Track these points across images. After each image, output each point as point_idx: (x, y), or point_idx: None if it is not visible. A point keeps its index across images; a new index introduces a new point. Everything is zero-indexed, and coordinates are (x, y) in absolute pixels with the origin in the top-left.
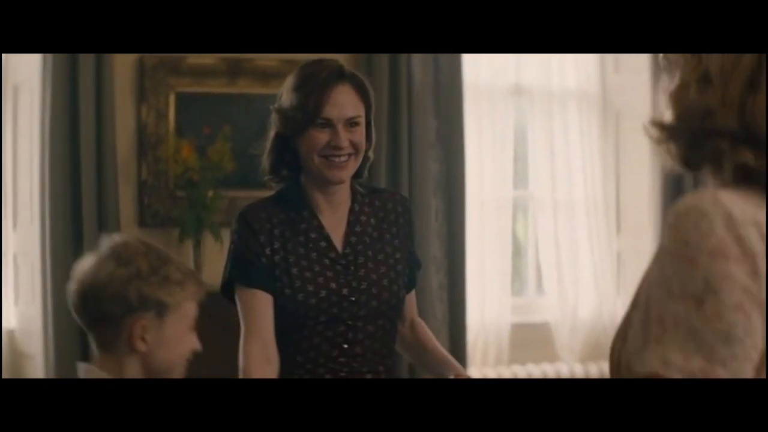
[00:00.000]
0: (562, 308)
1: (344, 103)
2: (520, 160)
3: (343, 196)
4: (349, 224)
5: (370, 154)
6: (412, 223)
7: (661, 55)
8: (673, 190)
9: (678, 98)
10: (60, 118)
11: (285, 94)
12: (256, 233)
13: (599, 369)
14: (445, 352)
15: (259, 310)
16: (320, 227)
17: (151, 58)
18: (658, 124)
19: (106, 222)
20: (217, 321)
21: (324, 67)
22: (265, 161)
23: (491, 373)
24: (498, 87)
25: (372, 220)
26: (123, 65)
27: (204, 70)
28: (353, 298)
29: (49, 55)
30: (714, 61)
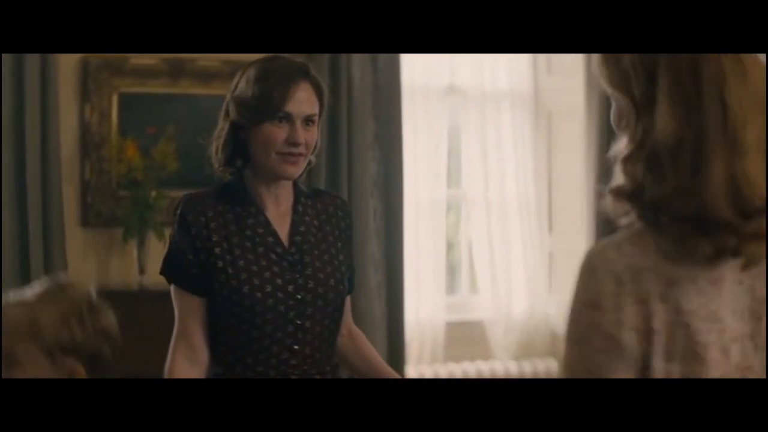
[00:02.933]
0: (495, 307)
1: (305, 100)
2: (453, 160)
3: (286, 193)
4: (294, 223)
5: (312, 158)
6: (352, 227)
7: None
8: (604, 190)
9: (628, 171)
10: (4, 118)
11: (244, 84)
12: (188, 226)
13: (533, 367)
14: (383, 364)
15: (186, 311)
16: (267, 223)
17: (94, 59)
18: (616, 193)
19: (49, 221)
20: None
21: (289, 62)
22: (219, 152)
23: (427, 371)
24: (432, 88)
25: (315, 222)
26: (67, 66)
27: (146, 71)
28: (299, 296)
29: None
30: (659, 140)
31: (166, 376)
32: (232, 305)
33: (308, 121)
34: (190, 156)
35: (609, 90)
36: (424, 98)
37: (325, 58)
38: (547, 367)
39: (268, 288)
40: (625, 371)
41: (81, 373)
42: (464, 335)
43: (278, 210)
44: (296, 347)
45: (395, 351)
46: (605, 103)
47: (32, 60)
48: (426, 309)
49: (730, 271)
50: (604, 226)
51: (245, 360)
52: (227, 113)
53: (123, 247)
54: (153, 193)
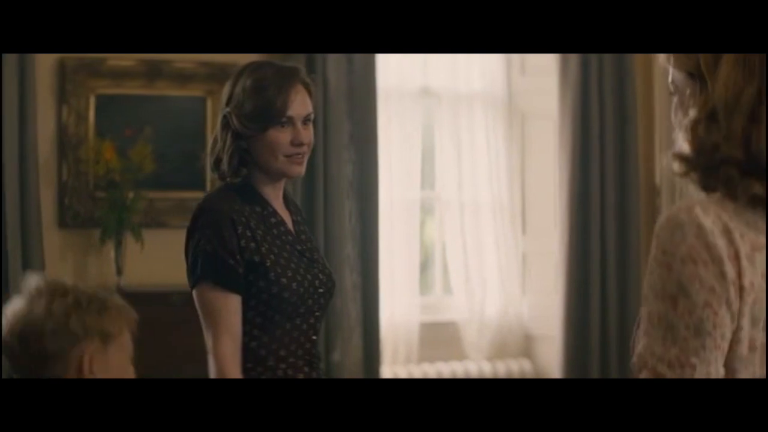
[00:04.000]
0: (469, 307)
1: (301, 101)
2: (427, 161)
3: (281, 191)
4: (295, 222)
5: None
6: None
7: (669, 80)
8: (577, 191)
9: (691, 133)
10: None
11: (242, 95)
12: (234, 226)
13: (506, 367)
14: None
15: (230, 310)
16: (284, 221)
17: (71, 60)
18: (679, 157)
19: (27, 223)
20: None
21: (280, 68)
22: (226, 164)
23: (402, 372)
24: (406, 89)
25: (300, 217)
26: (44, 67)
27: (123, 72)
28: (321, 290)
29: None
30: (719, 97)
31: (216, 374)
32: (280, 302)
33: (307, 120)
34: (167, 157)
35: (675, 73)
36: (398, 100)
37: (302, 60)
38: (520, 367)
39: (306, 283)
40: (729, 328)
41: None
42: (438, 336)
43: (282, 208)
44: (314, 338)
45: (370, 352)
46: (578, 105)
47: (9, 61)
48: (400, 310)
49: None
50: (578, 228)
51: (278, 353)
52: (226, 125)
53: (100, 248)
54: (130, 195)
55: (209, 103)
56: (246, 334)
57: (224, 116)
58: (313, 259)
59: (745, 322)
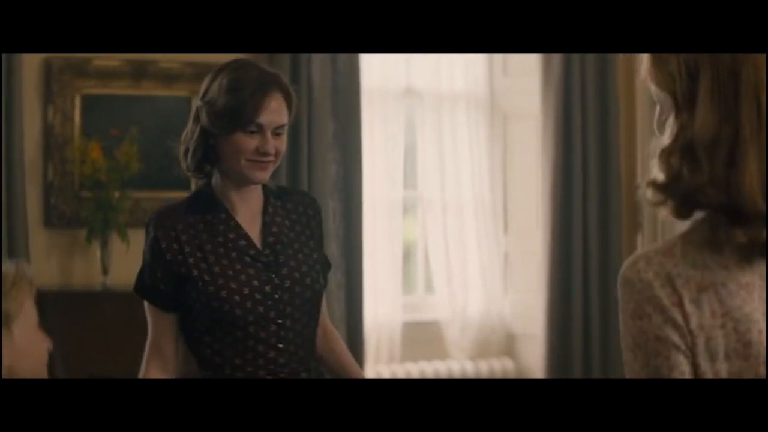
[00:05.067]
0: (451, 307)
1: (276, 110)
2: (410, 161)
3: (256, 194)
4: (265, 224)
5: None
6: (322, 225)
7: (652, 88)
8: (559, 191)
9: (665, 163)
10: None
11: (216, 92)
12: (159, 242)
13: (489, 366)
14: (352, 363)
15: (158, 326)
16: (238, 227)
17: (57, 60)
18: (653, 185)
19: (13, 222)
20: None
21: (261, 72)
22: (189, 156)
23: (385, 371)
24: (389, 89)
25: (286, 222)
26: (30, 67)
27: (109, 72)
28: (277, 296)
29: None
30: (697, 136)
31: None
32: (212, 311)
33: (279, 130)
34: (153, 157)
35: (655, 90)
36: (381, 100)
37: (286, 60)
38: (503, 366)
39: (246, 290)
40: (686, 365)
41: None
42: (421, 335)
43: (249, 212)
44: (281, 346)
45: (354, 351)
46: (561, 105)
47: None
48: (383, 309)
49: (759, 277)
50: (560, 227)
51: (234, 361)
52: (197, 118)
53: (86, 247)
54: (116, 194)
55: (194, 103)
56: (199, 342)
57: (196, 109)
58: (272, 264)
59: (702, 360)
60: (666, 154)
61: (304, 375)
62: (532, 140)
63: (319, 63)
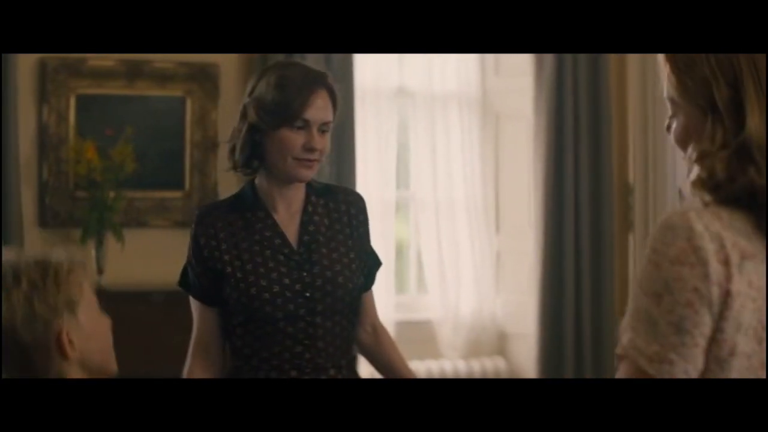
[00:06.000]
0: (443, 306)
1: (322, 107)
2: (402, 161)
3: (298, 193)
4: (303, 223)
5: (324, 157)
6: (367, 221)
7: (667, 100)
8: (551, 190)
9: (708, 165)
10: None
11: (264, 88)
12: (198, 238)
13: (481, 366)
14: (403, 362)
15: (200, 319)
16: (274, 225)
17: (52, 60)
18: (700, 185)
19: (8, 222)
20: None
21: (308, 70)
22: (237, 153)
23: None
24: (382, 89)
25: (326, 220)
26: (24, 67)
27: (104, 72)
28: (308, 294)
29: None
30: (754, 135)
31: (184, 374)
32: (243, 307)
33: (324, 127)
34: (148, 157)
35: (680, 102)
36: (373, 100)
37: (281, 59)
38: (495, 365)
39: (276, 288)
40: (709, 328)
41: None
42: (413, 334)
43: (288, 211)
44: (308, 342)
45: None
46: (553, 105)
47: None
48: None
49: None
50: (552, 226)
51: (261, 354)
52: (245, 115)
53: (81, 247)
54: (111, 194)
55: (189, 103)
56: (232, 334)
57: (243, 106)
58: (305, 262)
59: (728, 326)
60: (707, 157)
61: (332, 372)
62: (525, 140)
63: (312, 63)
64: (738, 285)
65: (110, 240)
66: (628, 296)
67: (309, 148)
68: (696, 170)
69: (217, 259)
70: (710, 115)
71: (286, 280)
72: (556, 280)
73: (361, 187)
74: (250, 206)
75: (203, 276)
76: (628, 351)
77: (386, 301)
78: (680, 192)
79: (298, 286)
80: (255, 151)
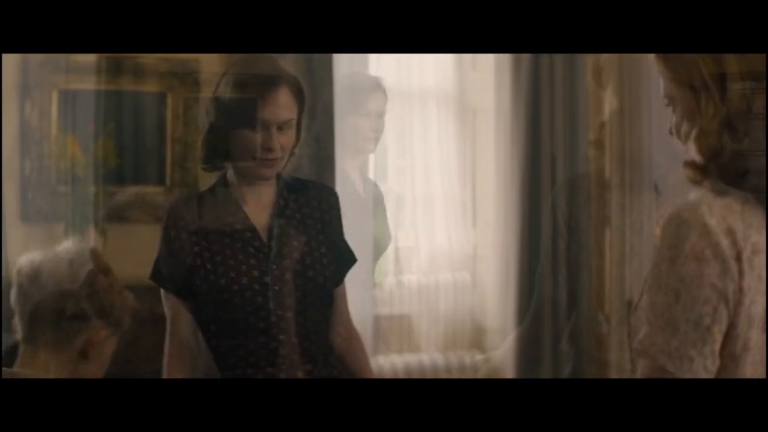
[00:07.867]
0: (421, 300)
1: (281, 105)
2: (380, 155)
3: (268, 187)
4: (274, 216)
5: (296, 150)
6: (340, 217)
7: (663, 94)
8: (528, 185)
9: (702, 143)
10: None
11: (224, 88)
12: (168, 231)
13: (459, 360)
14: (370, 372)
15: (173, 311)
16: (245, 218)
17: (34, 56)
18: (692, 165)
19: None
20: None
21: (267, 67)
22: (200, 151)
23: None
24: (360, 84)
25: (297, 215)
26: (7, 62)
27: (86, 68)
28: (276, 288)
29: None
30: (734, 110)
31: (164, 372)
32: (213, 300)
33: (284, 125)
34: (130, 152)
35: (677, 92)
36: (351, 96)
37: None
38: (473, 359)
39: (245, 280)
40: (725, 322)
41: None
42: (391, 328)
43: (260, 204)
44: (282, 337)
45: None
46: (530, 101)
47: None
48: (354, 303)
49: None
50: (528, 221)
51: (237, 351)
52: (207, 114)
53: (63, 242)
54: (93, 189)
55: (169, 99)
56: (206, 330)
57: (207, 104)
58: (275, 256)
59: (741, 322)
60: (705, 136)
61: (308, 367)
62: (501, 135)
63: (293, 59)
64: (749, 281)
65: (93, 235)
66: (615, 291)
67: (267, 148)
68: (692, 151)
69: (187, 251)
70: (703, 93)
71: (255, 273)
72: (534, 275)
73: (339, 182)
74: (221, 200)
75: (174, 268)
76: (648, 347)
77: (364, 295)
78: (656, 187)
79: (266, 279)
80: (219, 148)
